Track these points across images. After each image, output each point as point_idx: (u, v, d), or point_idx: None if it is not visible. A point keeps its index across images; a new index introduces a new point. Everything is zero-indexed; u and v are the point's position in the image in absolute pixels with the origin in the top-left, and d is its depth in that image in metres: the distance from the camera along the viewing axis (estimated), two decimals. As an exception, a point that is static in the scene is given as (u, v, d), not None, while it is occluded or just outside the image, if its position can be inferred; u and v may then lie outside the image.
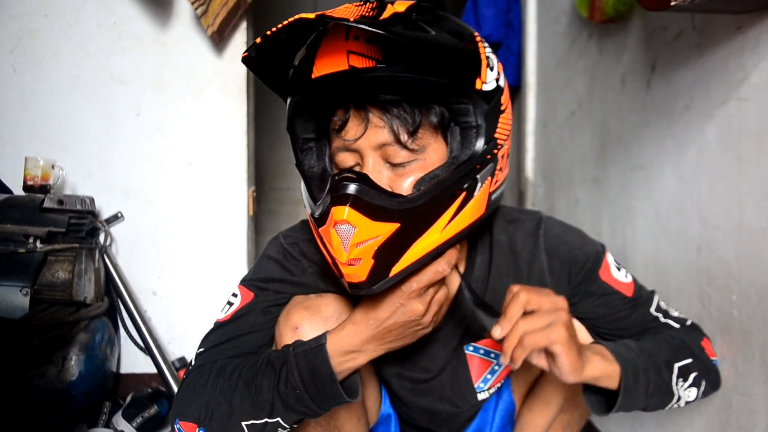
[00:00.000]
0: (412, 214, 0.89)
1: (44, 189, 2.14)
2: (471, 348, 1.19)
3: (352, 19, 0.82)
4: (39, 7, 2.29)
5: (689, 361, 1.11)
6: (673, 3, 1.11)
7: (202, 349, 1.09)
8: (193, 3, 2.21)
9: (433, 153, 0.95)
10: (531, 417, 1.22)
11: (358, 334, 0.96)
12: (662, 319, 1.19)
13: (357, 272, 0.88)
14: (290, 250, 1.14)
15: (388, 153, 0.94)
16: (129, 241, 2.36)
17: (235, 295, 1.12)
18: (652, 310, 1.19)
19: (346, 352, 0.96)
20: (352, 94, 0.93)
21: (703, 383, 1.12)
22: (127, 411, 2.11)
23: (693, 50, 1.40)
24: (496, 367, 1.21)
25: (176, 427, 1.01)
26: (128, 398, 2.19)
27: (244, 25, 2.39)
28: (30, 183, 2.14)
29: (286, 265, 1.13)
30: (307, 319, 1.04)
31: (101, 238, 2.28)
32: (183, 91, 2.36)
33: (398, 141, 0.92)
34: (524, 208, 1.25)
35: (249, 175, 2.44)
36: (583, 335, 1.16)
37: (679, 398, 1.09)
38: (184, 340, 2.39)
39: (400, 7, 0.89)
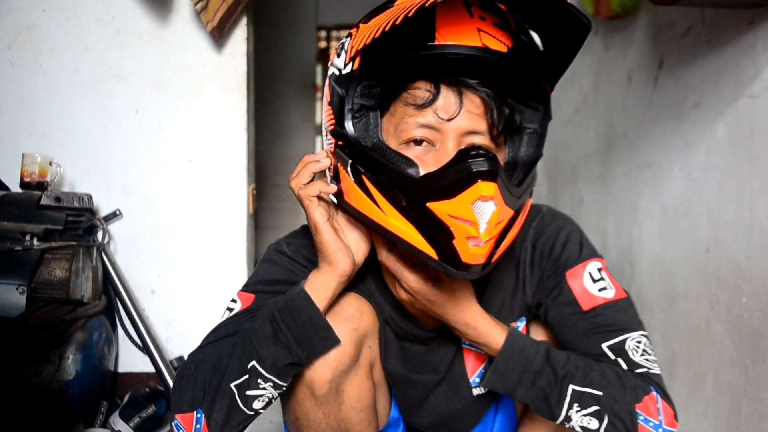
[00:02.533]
0: (519, 205, 0.91)
1: (41, 186, 2.11)
2: (467, 342, 1.16)
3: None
4: (37, 2, 2.25)
5: (598, 393, 0.97)
6: (684, -3, 1.09)
7: (195, 348, 1.06)
8: (192, -2, 2.18)
9: (501, 154, 0.95)
10: (532, 425, 1.19)
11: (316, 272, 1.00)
12: (611, 357, 1.03)
13: (481, 252, 0.85)
14: (293, 256, 1.11)
15: (472, 141, 0.91)
16: (127, 239, 2.33)
17: (234, 301, 1.08)
18: (606, 344, 1.03)
19: (317, 287, 0.98)
20: (458, 70, 0.89)
21: (606, 421, 0.97)
22: (125, 411, 2.08)
23: (702, 46, 1.38)
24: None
25: (174, 424, 0.98)
26: (126, 398, 2.16)
27: (244, 21, 2.35)
28: (27, 180, 2.11)
29: (291, 268, 1.10)
30: (329, 318, 1.01)
31: (99, 235, 2.26)
32: (182, 87, 2.33)
33: (490, 131, 0.91)
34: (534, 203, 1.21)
35: (249, 172, 2.41)
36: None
37: (568, 419, 0.98)
38: (183, 339, 2.36)
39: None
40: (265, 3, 2.77)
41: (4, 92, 2.25)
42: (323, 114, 1.02)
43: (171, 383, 2.19)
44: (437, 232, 0.86)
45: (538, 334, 1.13)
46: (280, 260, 1.12)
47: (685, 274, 1.44)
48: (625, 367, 1.02)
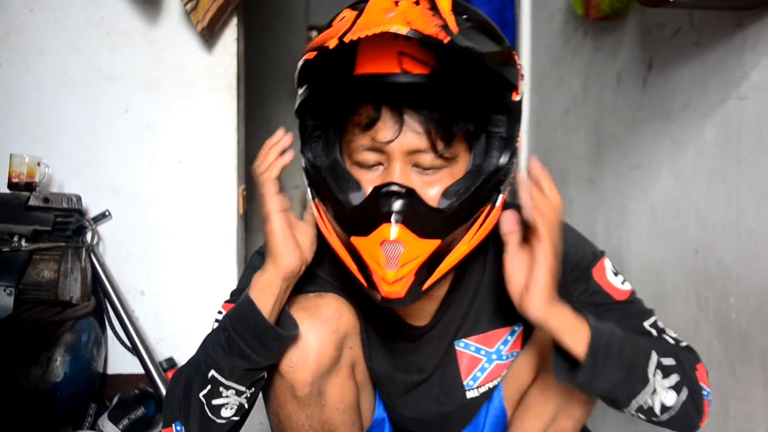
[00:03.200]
0: (451, 229, 0.89)
1: (30, 187, 2.10)
2: (462, 344, 1.16)
3: (402, 19, 0.78)
4: (26, 2, 2.24)
5: (673, 363, 0.99)
6: (672, -1, 1.09)
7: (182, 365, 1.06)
8: (182, -2, 2.18)
9: (462, 162, 0.94)
10: (522, 426, 1.18)
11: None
12: (654, 334, 1.09)
13: (396, 289, 0.88)
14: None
15: (419, 159, 0.91)
16: (117, 240, 2.32)
17: (220, 312, 1.08)
18: (646, 324, 1.09)
19: (260, 289, 0.96)
20: (394, 95, 0.89)
21: (685, 393, 0.98)
22: (114, 413, 2.07)
23: (691, 48, 1.38)
24: (486, 365, 1.18)
25: None
26: (115, 399, 2.15)
27: (234, 21, 2.35)
28: (15, 180, 2.09)
29: None
30: (308, 320, 1.00)
31: (88, 236, 2.24)
32: (172, 87, 2.32)
33: (434, 149, 0.90)
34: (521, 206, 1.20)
35: (239, 173, 2.40)
36: None
37: (654, 391, 0.95)
38: (172, 341, 2.35)
39: (440, 0, 0.87)
40: (256, 3, 2.76)
41: (-8, 92, 2.24)
42: None
43: (160, 385, 2.18)
44: (361, 264, 0.90)
45: (536, 344, 1.13)
46: (260, 264, 1.11)
47: (674, 275, 1.44)
48: (671, 341, 1.06)
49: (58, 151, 2.25)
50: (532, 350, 1.14)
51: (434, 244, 0.88)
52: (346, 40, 0.78)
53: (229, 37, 2.35)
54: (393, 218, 0.85)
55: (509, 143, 0.94)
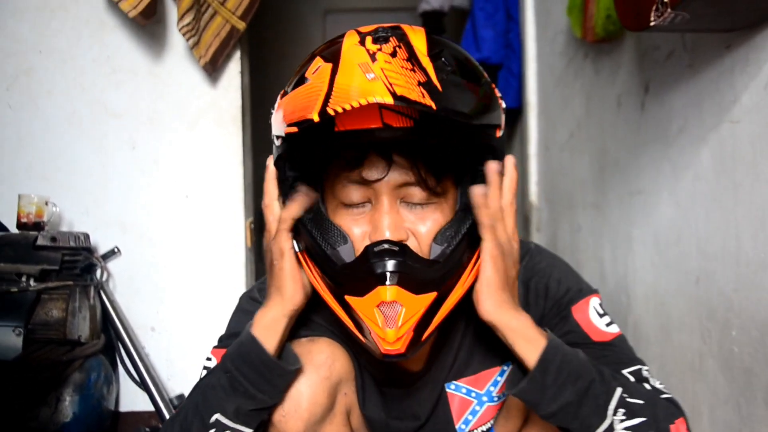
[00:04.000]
0: (446, 279, 0.88)
1: (39, 226, 2.12)
2: (453, 386, 1.12)
3: (384, 84, 0.77)
4: (34, 44, 2.28)
5: (642, 404, 0.90)
6: (652, 23, 1.05)
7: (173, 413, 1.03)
8: (184, 34, 2.19)
9: (450, 198, 0.93)
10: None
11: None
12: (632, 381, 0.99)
13: (396, 347, 0.85)
14: (262, 301, 1.08)
15: (408, 193, 0.90)
16: (126, 277, 2.33)
17: (209, 359, 1.06)
18: (626, 370, 0.99)
19: (264, 326, 0.94)
20: (378, 144, 0.88)
21: None
22: (123, 452, 2.06)
23: (684, 71, 1.34)
24: (477, 407, 1.13)
25: None
26: (125, 438, 2.14)
27: (237, 54, 2.36)
28: (24, 220, 2.12)
29: None
30: (304, 367, 0.98)
31: (98, 273, 2.25)
32: (178, 122, 2.34)
33: (423, 182, 0.89)
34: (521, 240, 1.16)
35: (246, 206, 2.40)
36: None
37: (611, 428, 0.87)
38: (183, 377, 2.34)
39: (416, 41, 0.86)
40: (259, 35, 2.78)
41: (2, 135, 2.28)
42: None
43: (170, 422, 2.16)
44: (357, 321, 0.88)
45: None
46: (252, 308, 1.08)
47: (677, 306, 1.39)
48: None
49: (67, 189, 2.28)
50: None
51: (431, 297, 0.86)
52: (330, 111, 0.77)
53: (233, 70, 2.36)
54: (388, 280, 0.83)
55: None
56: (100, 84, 2.30)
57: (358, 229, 0.91)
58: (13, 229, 2.15)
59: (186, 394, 2.20)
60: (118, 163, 2.31)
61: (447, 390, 1.12)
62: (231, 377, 0.91)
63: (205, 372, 1.04)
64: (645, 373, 0.99)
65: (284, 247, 0.93)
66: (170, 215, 2.34)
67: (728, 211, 1.18)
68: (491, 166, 0.90)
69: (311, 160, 0.95)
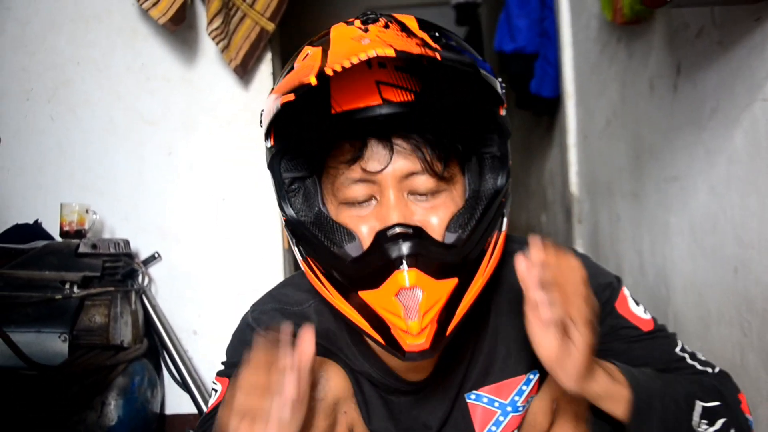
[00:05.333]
0: (465, 264, 0.83)
1: (80, 234, 2.17)
2: (473, 396, 1.07)
3: (382, 43, 0.73)
4: (72, 56, 2.34)
5: (717, 404, 0.91)
6: (669, -1, 0.99)
7: None
8: (214, 38, 2.20)
9: (458, 186, 0.88)
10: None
11: None
12: (689, 360, 1.00)
13: (420, 341, 0.79)
14: (254, 326, 1.04)
15: (414, 183, 0.84)
16: (167, 281, 2.36)
17: (215, 383, 1.04)
18: (677, 350, 1.00)
19: None
20: (379, 126, 0.83)
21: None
22: (167, 454, 2.09)
23: (715, 48, 1.26)
24: (501, 418, 1.08)
25: None
26: (169, 441, 2.17)
27: (269, 56, 2.36)
28: (66, 229, 2.17)
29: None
30: None
31: (139, 279, 2.29)
32: (212, 126, 2.36)
33: (429, 169, 0.83)
34: (525, 238, 1.11)
35: (283, 208, 2.40)
36: None
37: None
38: (226, 379, 2.36)
39: (406, 20, 0.83)
40: (290, 35, 2.78)
41: (45, 145, 2.35)
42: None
43: (213, 424, 2.18)
44: (375, 320, 0.81)
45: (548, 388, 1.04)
46: (243, 335, 1.05)
47: (715, 297, 1.31)
48: (706, 369, 0.98)
49: (107, 197, 2.33)
50: (545, 395, 1.04)
51: (452, 283, 0.80)
52: (329, 71, 0.71)
53: (265, 72, 2.37)
54: (406, 263, 0.78)
55: (504, 163, 0.88)
56: (135, 92, 2.34)
57: (365, 226, 0.85)
58: (57, 238, 2.21)
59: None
60: (154, 169, 2.35)
61: (467, 400, 1.07)
62: None
63: (213, 395, 1.02)
64: (687, 347, 1.01)
65: None
66: (207, 219, 2.36)
67: (764, 195, 1.11)
68: (535, 246, 0.79)
69: (307, 156, 0.90)
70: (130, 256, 2.26)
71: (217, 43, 2.21)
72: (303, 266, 0.91)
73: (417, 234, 0.79)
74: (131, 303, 2.20)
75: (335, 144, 0.86)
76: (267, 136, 0.88)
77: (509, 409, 1.06)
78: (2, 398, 1.87)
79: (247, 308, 2.28)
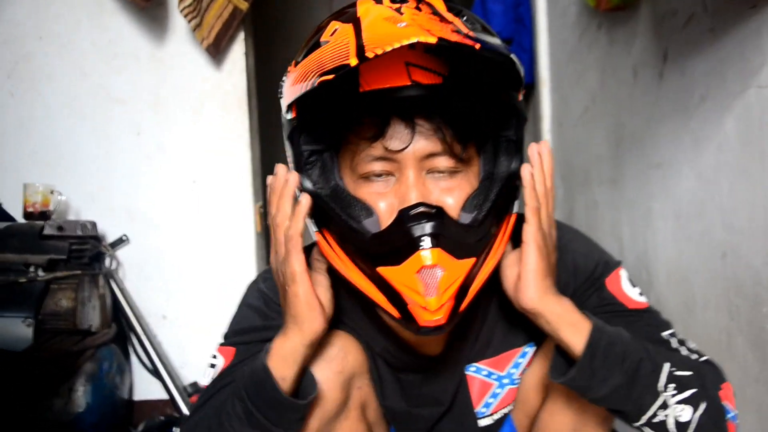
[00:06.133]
0: (482, 244, 0.85)
1: (44, 215, 2.10)
2: (473, 368, 1.08)
3: (420, 28, 0.74)
4: (33, 30, 2.25)
5: (689, 374, 0.88)
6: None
7: (183, 423, 0.99)
8: (186, 16, 2.14)
9: (475, 167, 0.90)
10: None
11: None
12: (674, 345, 0.98)
13: (437, 316, 0.81)
14: (270, 294, 1.02)
15: (434, 164, 0.86)
16: (136, 265, 2.30)
17: (214, 356, 1.01)
18: (664, 333, 0.99)
19: (281, 357, 0.87)
20: (403, 106, 0.84)
21: (703, 407, 0.87)
22: (138, 441, 2.05)
23: (705, 35, 1.28)
24: (498, 390, 1.09)
25: None
26: (140, 427, 2.12)
27: (241, 36, 2.32)
28: (30, 210, 2.10)
29: (267, 312, 1.02)
30: (315, 362, 0.93)
31: (107, 262, 2.23)
32: (182, 107, 2.30)
33: (449, 151, 0.85)
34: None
35: (255, 191, 2.36)
36: None
37: (664, 405, 0.85)
38: (196, 365, 2.32)
39: (434, 2, 0.84)
40: (263, 15, 2.73)
41: (4, 122, 2.26)
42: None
43: (185, 410, 2.15)
44: (392, 295, 0.83)
45: (540, 362, 1.04)
46: (256, 302, 1.04)
47: (702, 282, 1.34)
48: (685, 352, 0.95)
49: (72, 177, 2.26)
50: (537, 369, 1.05)
51: (469, 263, 0.83)
52: (370, 55, 0.72)
53: (237, 52, 2.32)
54: (429, 243, 0.79)
55: (519, 147, 0.89)
56: (101, 69, 2.27)
57: (383, 202, 0.87)
58: (20, 219, 2.13)
59: (200, 382, 2.19)
60: (123, 150, 2.29)
61: (466, 373, 1.08)
62: (246, 410, 0.86)
63: (211, 370, 1.00)
64: (680, 336, 0.98)
65: (296, 270, 0.85)
66: (178, 201, 2.31)
67: (756, 182, 1.13)
68: (534, 148, 0.87)
69: (328, 130, 0.90)
70: (97, 238, 2.20)
71: (189, 21, 2.15)
72: (317, 238, 0.91)
73: (439, 214, 0.81)
74: (99, 287, 2.14)
75: (359, 123, 0.86)
76: (289, 108, 0.87)
77: (506, 381, 1.07)
78: (-36, 384, 1.81)
79: (218, 293, 2.25)
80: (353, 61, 0.73)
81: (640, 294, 1.02)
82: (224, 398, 0.91)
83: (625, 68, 1.69)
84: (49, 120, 2.25)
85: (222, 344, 1.02)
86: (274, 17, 3.54)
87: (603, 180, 1.91)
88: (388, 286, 0.83)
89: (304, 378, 0.91)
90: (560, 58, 2.33)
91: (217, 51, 2.23)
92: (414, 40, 0.71)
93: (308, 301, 0.85)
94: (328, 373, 0.94)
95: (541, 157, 0.87)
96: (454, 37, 0.74)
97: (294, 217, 0.85)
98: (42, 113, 2.25)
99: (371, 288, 0.85)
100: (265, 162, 2.58)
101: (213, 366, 1.00)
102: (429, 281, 0.80)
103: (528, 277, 0.84)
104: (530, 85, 2.62)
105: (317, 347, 0.93)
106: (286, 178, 0.87)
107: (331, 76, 0.75)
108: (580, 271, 1.02)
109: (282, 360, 0.86)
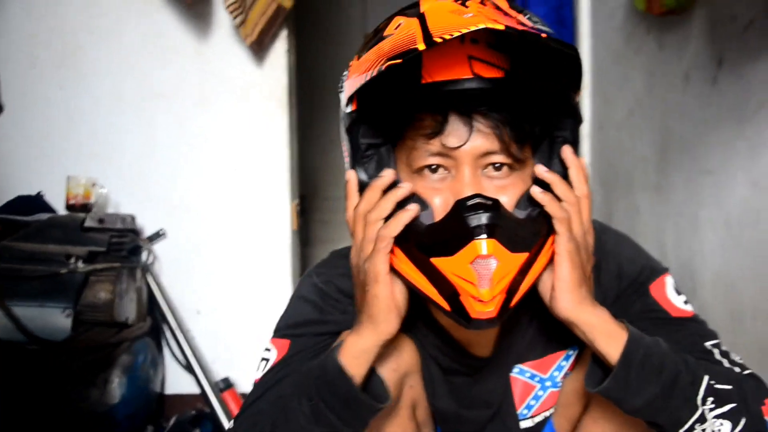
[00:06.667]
0: (535, 240, 0.84)
1: (86, 208, 2.12)
2: (517, 370, 1.07)
3: (486, 18, 0.75)
4: (84, 24, 2.29)
5: (730, 389, 0.86)
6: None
7: (239, 413, 0.99)
8: (231, 12, 2.16)
9: (529, 168, 0.88)
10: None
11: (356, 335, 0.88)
12: (717, 356, 0.95)
13: (488, 309, 0.81)
14: (325, 289, 1.03)
15: (490, 161, 0.85)
16: (172, 259, 2.32)
17: (268, 350, 1.01)
18: (708, 343, 0.96)
19: (353, 356, 0.87)
20: (462, 101, 0.83)
21: (743, 422, 0.85)
22: (170, 436, 2.06)
23: (766, 41, 1.25)
24: (540, 392, 1.08)
25: None
26: (171, 421, 2.14)
27: (284, 33, 2.33)
28: (72, 202, 2.13)
29: (322, 306, 1.02)
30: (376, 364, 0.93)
31: (144, 256, 2.25)
32: (224, 102, 2.32)
33: (506, 150, 0.84)
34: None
35: (292, 188, 2.37)
36: None
37: (702, 419, 0.84)
38: (228, 360, 2.33)
39: (499, 0, 0.84)
40: (309, 14, 2.75)
41: (52, 114, 2.30)
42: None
43: (217, 405, 2.17)
44: (444, 286, 0.82)
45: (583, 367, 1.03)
46: (311, 295, 1.04)
47: (751, 291, 1.31)
48: (727, 365, 0.92)
49: (115, 169, 2.29)
50: (579, 374, 1.04)
51: (523, 257, 0.82)
52: (438, 39, 0.73)
53: (280, 49, 2.33)
54: (485, 233, 0.79)
55: (574, 148, 0.88)
56: (147, 64, 2.30)
57: (438, 197, 0.86)
58: (62, 211, 2.16)
59: (231, 378, 2.19)
60: (164, 144, 2.31)
61: (510, 375, 1.07)
62: (315, 407, 0.86)
63: (264, 364, 1.00)
64: (724, 347, 0.95)
65: (380, 271, 0.84)
66: (216, 197, 2.33)
67: (815, 191, 1.11)
68: (567, 151, 0.86)
69: (387, 124, 0.89)
70: (136, 232, 2.22)
71: (234, 18, 2.17)
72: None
73: (495, 206, 0.80)
74: (136, 280, 2.16)
75: (416, 116, 0.86)
76: (349, 101, 0.87)
77: (548, 384, 1.06)
78: (4, 372, 1.83)
79: (252, 290, 2.26)
80: (421, 46, 0.73)
81: (686, 302, 1.00)
82: (285, 391, 0.91)
83: (675, 73, 1.67)
84: (95, 113, 2.29)
85: (275, 336, 1.02)
86: (316, 16, 3.56)
87: (647, 185, 1.89)
88: (441, 278, 0.82)
89: (373, 378, 0.90)
90: (604, 61, 2.31)
91: (260, 48, 2.25)
92: (481, 26, 0.71)
93: (388, 303, 0.85)
94: (383, 370, 0.93)
95: (576, 160, 0.86)
96: (521, 27, 0.75)
97: (395, 220, 0.84)
98: (89, 106, 2.29)
99: (423, 281, 0.84)
100: (302, 160, 2.59)
101: (266, 360, 1.00)
102: (483, 272, 0.80)
103: (561, 287, 0.84)
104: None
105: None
106: (393, 179, 0.87)
107: (399, 61, 0.75)
108: (625, 275, 1.00)
109: (354, 359, 0.86)
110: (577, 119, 0.88)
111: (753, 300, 1.32)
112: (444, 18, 0.78)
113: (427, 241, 0.84)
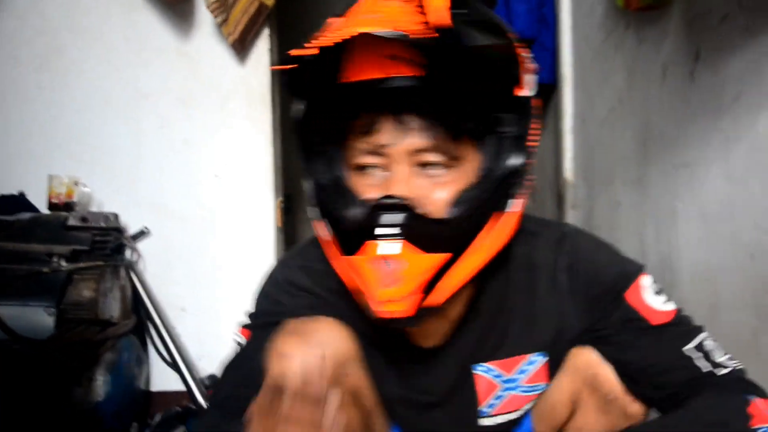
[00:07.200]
0: (460, 240, 0.85)
1: (69, 207, 2.12)
2: (482, 368, 1.08)
3: (386, 20, 0.76)
4: (65, 23, 2.28)
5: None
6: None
7: (209, 403, 1.01)
8: (213, 11, 2.16)
9: (469, 164, 0.88)
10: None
11: None
12: (695, 361, 0.96)
13: (399, 308, 0.83)
14: (279, 280, 1.05)
15: (424, 159, 0.86)
16: (157, 257, 2.32)
17: (238, 334, 1.05)
18: (687, 347, 0.96)
19: None
20: (391, 101, 0.85)
21: None
22: (155, 432, 2.06)
23: (741, 34, 1.27)
24: (501, 393, 1.09)
25: None
26: (157, 418, 2.14)
27: (266, 32, 2.33)
28: (54, 201, 2.12)
29: (277, 297, 1.04)
30: (297, 347, 0.93)
31: (128, 254, 2.24)
32: (207, 101, 2.32)
33: (438, 147, 0.85)
34: (549, 220, 1.11)
35: (276, 186, 2.38)
36: (610, 378, 1.01)
37: None
38: (214, 357, 2.32)
39: None
40: (288, 11, 2.75)
41: (32, 114, 2.29)
42: None
43: (202, 402, 2.16)
44: (354, 283, 0.87)
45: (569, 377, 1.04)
46: (269, 289, 1.07)
47: (728, 282, 1.33)
48: (705, 370, 0.94)
49: (98, 169, 2.28)
50: (565, 383, 1.05)
51: (442, 257, 0.83)
52: (312, 51, 0.74)
53: (262, 48, 2.34)
54: (386, 234, 0.81)
55: (520, 143, 0.88)
56: (129, 63, 2.30)
57: (372, 194, 0.88)
58: (44, 210, 2.15)
59: (217, 375, 2.19)
60: (148, 143, 2.31)
61: (474, 371, 1.07)
62: None
63: (235, 347, 1.03)
64: (707, 344, 0.96)
65: None
66: (200, 195, 2.33)
67: (789, 182, 1.12)
68: None
69: (330, 124, 0.92)
70: (119, 230, 2.22)
71: (216, 17, 2.17)
72: (316, 226, 0.94)
73: (405, 207, 0.82)
74: (120, 278, 2.16)
75: (354, 117, 0.88)
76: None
77: (510, 385, 1.06)
78: (-13, 371, 1.82)
79: (237, 287, 2.26)
80: (309, 51, 0.75)
81: (666, 301, 1.00)
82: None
83: (654, 68, 1.69)
84: (77, 112, 2.28)
85: (245, 326, 1.05)
86: (298, 15, 3.56)
87: (627, 180, 1.90)
88: (356, 274, 0.86)
89: None
90: (585, 57, 2.33)
91: (242, 47, 2.25)
92: (360, 31, 0.73)
93: None
94: (310, 359, 0.93)
95: None
96: (415, 29, 0.74)
97: None
98: (70, 106, 2.28)
99: (348, 277, 0.88)
100: (286, 158, 2.59)
101: (239, 344, 1.05)
102: (384, 271, 0.82)
103: None
104: (552, 85, 2.62)
105: (305, 335, 0.90)
106: None
107: (294, 65, 0.78)
108: (600, 280, 1.00)
109: None
110: (524, 114, 0.89)
111: (730, 291, 1.33)
112: (356, 20, 0.80)
113: (344, 239, 0.87)
